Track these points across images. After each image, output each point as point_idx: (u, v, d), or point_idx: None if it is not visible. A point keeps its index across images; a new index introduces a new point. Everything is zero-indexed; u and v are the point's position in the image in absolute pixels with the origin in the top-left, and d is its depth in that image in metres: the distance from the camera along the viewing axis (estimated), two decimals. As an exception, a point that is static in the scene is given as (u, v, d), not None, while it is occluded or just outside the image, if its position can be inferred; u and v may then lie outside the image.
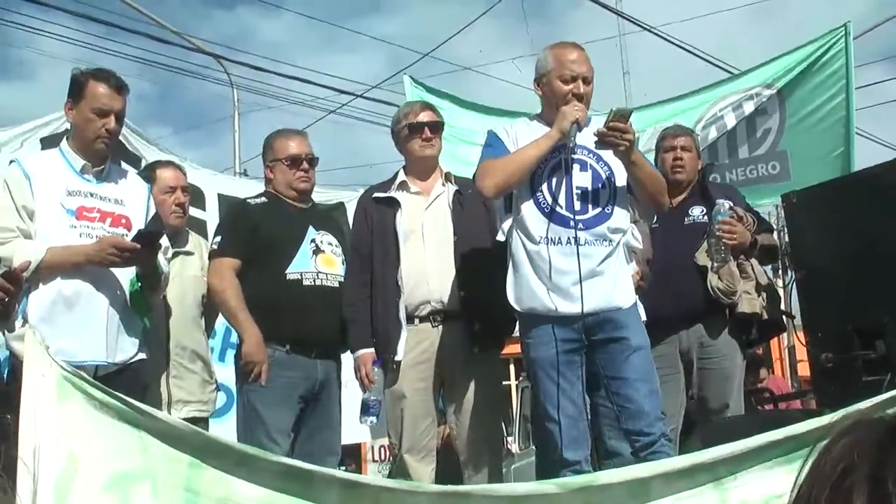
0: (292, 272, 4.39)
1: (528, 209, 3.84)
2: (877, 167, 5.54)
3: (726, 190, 5.41)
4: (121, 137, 5.70)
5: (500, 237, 3.97)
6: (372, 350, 4.28)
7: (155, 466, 2.64)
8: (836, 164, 6.65)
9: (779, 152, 7.11)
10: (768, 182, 7.07)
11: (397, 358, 4.23)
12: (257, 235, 4.45)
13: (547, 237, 3.78)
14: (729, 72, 10.20)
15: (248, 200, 4.75)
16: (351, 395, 4.72)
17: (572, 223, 3.76)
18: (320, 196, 6.66)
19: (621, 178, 3.90)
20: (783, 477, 2.70)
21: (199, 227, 6.02)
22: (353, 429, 5.22)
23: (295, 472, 2.78)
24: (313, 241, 4.51)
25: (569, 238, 3.76)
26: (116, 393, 2.73)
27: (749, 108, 7.10)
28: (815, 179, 5.48)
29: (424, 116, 4.52)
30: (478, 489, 3.37)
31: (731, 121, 7.16)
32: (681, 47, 13.16)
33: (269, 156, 4.72)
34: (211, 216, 6.38)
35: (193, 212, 6.16)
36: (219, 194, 6.53)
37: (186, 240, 4.74)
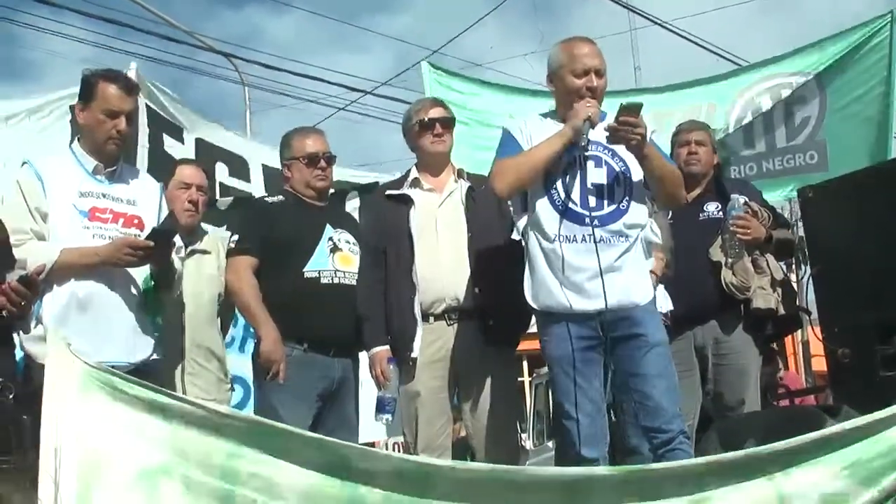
0: (310, 270, 4.39)
1: (543, 207, 3.83)
2: (893, 161, 5.52)
3: (741, 185, 5.40)
4: (160, 109, 5.75)
5: (516, 235, 3.96)
6: (387, 347, 4.27)
7: (187, 458, 2.64)
8: (874, 157, 6.50)
9: (818, 142, 6.98)
10: (806, 172, 6.92)
11: (413, 355, 4.22)
12: (275, 234, 4.45)
13: (561, 234, 3.77)
14: (739, 65, 10.10)
15: (266, 199, 4.77)
16: (366, 393, 4.72)
17: (587, 220, 3.75)
18: (358, 178, 6.68)
19: (637, 173, 3.88)
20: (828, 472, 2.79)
21: (246, 197, 6.02)
22: (368, 427, 5.22)
23: (343, 454, 2.76)
24: (331, 239, 4.50)
25: (584, 235, 3.74)
26: (146, 383, 2.74)
27: (786, 93, 6.97)
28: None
29: (435, 113, 4.51)
30: (529, 470, 3.37)
31: (766, 103, 7.02)
32: (691, 41, 13.16)
33: (286, 154, 4.72)
34: (256, 187, 6.28)
35: (238, 184, 6.25)
36: (263, 165, 6.37)
37: (201, 237, 4.74)
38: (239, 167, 6.27)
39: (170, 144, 5.84)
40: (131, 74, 5.39)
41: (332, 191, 6.24)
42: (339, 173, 6.59)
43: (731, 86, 7.19)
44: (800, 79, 6.92)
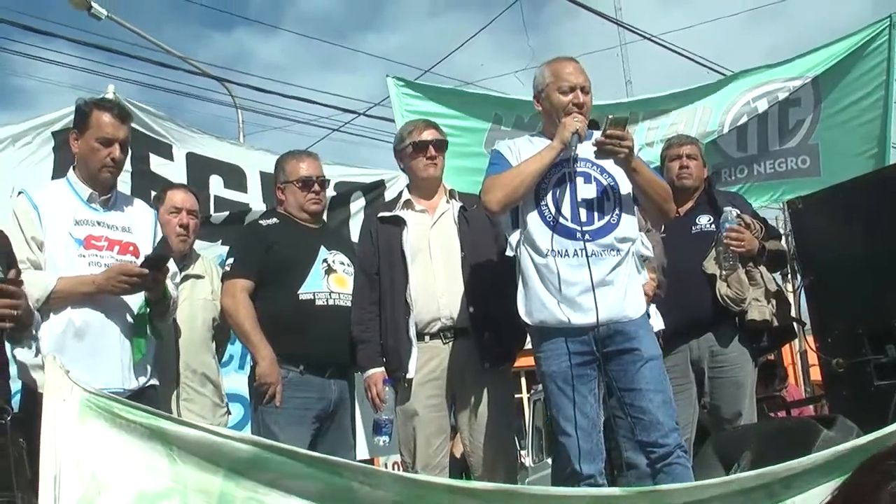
0: (305, 292, 4.42)
1: (534, 222, 3.86)
2: (883, 170, 5.55)
3: (733, 198, 5.42)
4: (145, 129, 5.66)
5: (510, 252, 3.98)
6: (382, 369, 4.28)
7: (185, 482, 2.64)
8: (868, 165, 6.45)
9: (810, 146, 6.90)
10: (797, 177, 6.90)
11: (409, 376, 4.23)
12: (270, 256, 4.47)
13: (553, 249, 3.80)
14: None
15: (260, 221, 4.78)
16: (362, 413, 4.72)
17: (578, 234, 3.78)
18: (362, 177, 6.62)
19: (626, 187, 3.91)
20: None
21: (241, 211, 5.96)
22: (362, 445, 5.21)
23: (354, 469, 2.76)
24: (325, 260, 4.53)
25: (576, 250, 3.77)
26: (146, 407, 2.74)
27: (782, 96, 6.86)
28: (845, 178, 5.34)
29: (428, 135, 4.53)
30: (530, 489, 3.36)
31: (763, 107, 6.91)
32: (682, 55, 13.23)
33: (280, 177, 4.75)
34: (253, 197, 6.20)
35: (233, 195, 6.13)
36: (261, 172, 6.23)
37: (194, 261, 4.76)
38: (234, 178, 6.19)
39: (158, 163, 5.78)
40: (109, 96, 5.41)
41: (334, 193, 6.27)
42: (344, 172, 6.61)
43: (729, 92, 7.09)
44: (797, 83, 6.85)
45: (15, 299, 3.06)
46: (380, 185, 6.64)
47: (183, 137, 6.03)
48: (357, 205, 6.54)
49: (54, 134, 5.32)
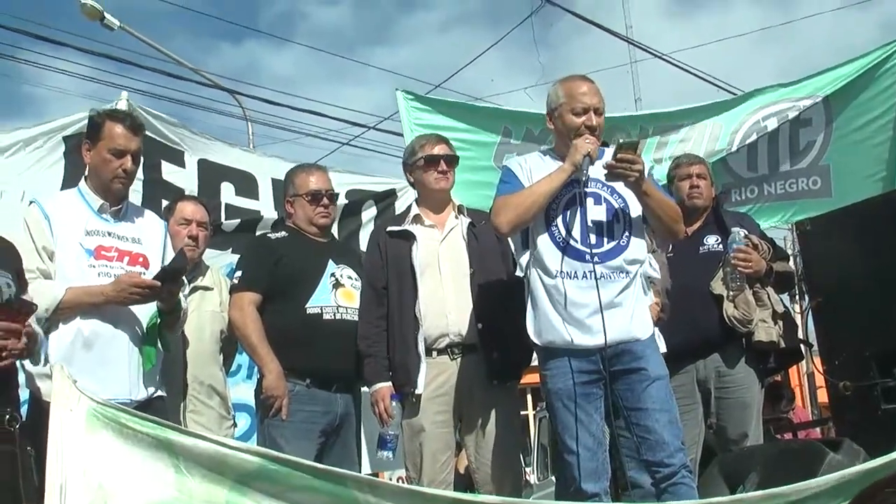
0: (312, 306, 4.42)
1: (544, 243, 3.87)
2: (891, 193, 5.55)
3: (740, 218, 5.42)
4: (157, 136, 5.67)
5: (519, 272, 3.99)
6: (389, 384, 4.28)
7: (191, 493, 2.65)
8: (878, 188, 6.40)
9: (821, 167, 6.85)
10: (808, 198, 6.84)
11: (417, 391, 4.23)
12: (278, 270, 4.48)
13: (562, 270, 3.80)
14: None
15: (269, 235, 4.80)
16: (368, 427, 4.72)
17: (588, 256, 3.78)
18: (374, 186, 6.62)
19: (636, 209, 3.92)
20: None
21: (253, 219, 5.95)
22: (366, 459, 5.20)
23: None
24: (333, 274, 4.53)
25: (585, 272, 3.77)
26: (153, 418, 2.75)
27: (792, 115, 6.81)
28: (857, 199, 5.32)
29: (440, 150, 4.54)
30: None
31: (773, 125, 6.86)
32: (692, 73, 13.25)
33: (289, 191, 4.76)
34: (265, 205, 6.18)
35: (245, 203, 6.13)
36: (273, 179, 6.20)
37: (203, 273, 4.78)
38: (246, 185, 6.19)
39: (169, 171, 5.79)
40: (122, 104, 5.44)
41: (346, 201, 6.25)
42: (356, 180, 6.61)
43: (740, 111, 7.04)
44: (807, 102, 6.80)
45: (14, 335, 3.10)
46: (391, 195, 6.64)
47: (195, 144, 6.04)
48: (368, 214, 6.54)
49: (65, 139, 5.34)
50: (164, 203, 5.25)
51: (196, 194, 5.73)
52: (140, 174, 5.26)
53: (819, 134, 6.86)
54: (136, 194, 5.27)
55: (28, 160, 5.28)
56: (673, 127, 6.97)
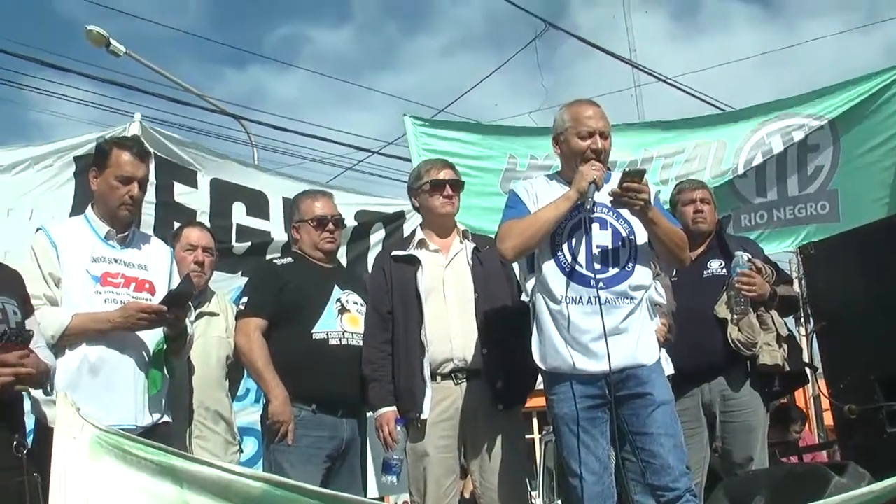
0: (318, 332, 4.43)
1: (550, 269, 3.88)
2: (892, 217, 5.55)
3: (744, 242, 5.44)
4: (170, 156, 5.69)
5: (524, 297, 4.00)
6: (394, 409, 4.27)
7: None
8: (884, 212, 6.36)
9: (829, 192, 6.85)
10: (817, 222, 6.85)
11: (423, 416, 4.23)
12: (284, 295, 4.50)
13: (568, 296, 3.82)
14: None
15: (275, 261, 4.83)
16: (374, 452, 4.72)
17: (593, 282, 3.79)
18: (382, 207, 6.62)
19: (641, 235, 3.93)
20: None
21: (263, 242, 5.96)
22: (371, 484, 5.19)
23: None
24: (339, 300, 4.55)
25: (590, 297, 3.78)
26: (157, 444, 2.76)
27: (798, 136, 6.82)
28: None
29: (446, 174, 4.57)
30: None
31: (777, 143, 6.87)
32: (695, 96, 13.29)
33: (295, 216, 4.80)
34: (275, 225, 6.16)
35: (256, 223, 6.14)
36: (284, 198, 6.19)
37: (209, 298, 4.79)
38: (257, 204, 6.18)
39: (181, 192, 5.80)
40: (135, 126, 5.47)
41: (355, 223, 6.25)
42: (365, 201, 6.61)
43: (743, 127, 7.06)
44: (812, 122, 6.81)
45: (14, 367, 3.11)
46: (400, 217, 6.65)
47: (208, 163, 6.04)
48: (377, 237, 6.55)
49: (76, 159, 5.35)
50: (177, 225, 5.28)
51: (208, 215, 5.78)
52: (152, 197, 5.32)
53: (827, 159, 6.87)
54: (148, 217, 5.33)
55: (36, 179, 5.30)
56: (677, 149, 7.00)
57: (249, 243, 5.98)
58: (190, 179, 5.89)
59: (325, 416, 4.38)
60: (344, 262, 6.10)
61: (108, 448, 2.71)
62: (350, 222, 6.28)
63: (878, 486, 2.90)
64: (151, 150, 5.41)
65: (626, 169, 3.83)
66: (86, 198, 4.33)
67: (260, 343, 4.44)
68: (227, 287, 5.43)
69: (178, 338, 3.96)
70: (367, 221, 6.54)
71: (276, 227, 6.20)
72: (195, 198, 5.86)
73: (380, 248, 6.14)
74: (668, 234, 3.92)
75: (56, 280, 3.78)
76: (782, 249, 7.16)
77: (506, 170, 6.99)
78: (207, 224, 5.43)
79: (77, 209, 5.01)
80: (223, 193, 6.05)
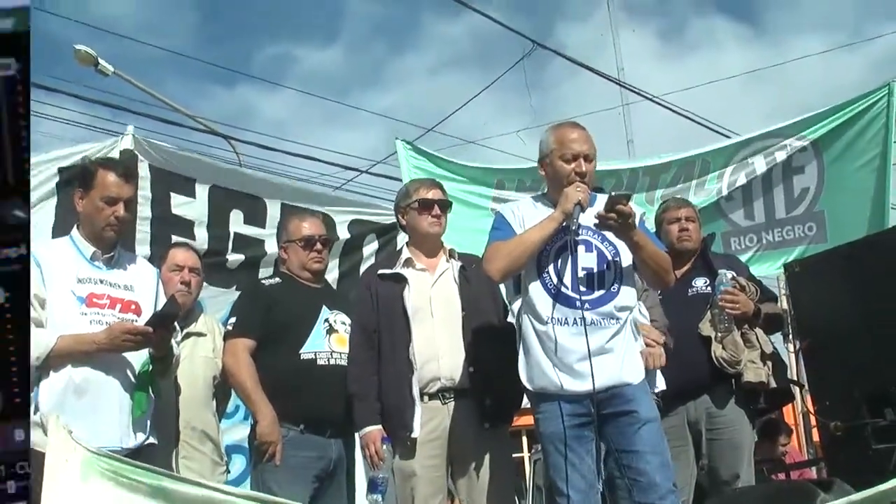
0: (306, 352, 4.44)
1: (536, 290, 3.91)
2: (879, 234, 5.60)
3: (728, 260, 5.48)
4: (165, 166, 5.62)
5: (511, 318, 4.02)
6: (380, 427, 4.26)
7: None
8: (871, 229, 6.39)
9: (816, 213, 6.93)
10: (805, 244, 6.92)
11: (413, 435, 4.22)
12: (272, 316, 4.50)
13: (553, 317, 3.84)
14: (728, 136, 10.13)
15: (263, 281, 4.83)
16: (362, 471, 4.71)
17: (578, 304, 3.82)
18: (376, 217, 6.61)
19: (626, 257, 3.96)
20: None
21: (255, 256, 5.92)
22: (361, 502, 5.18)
23: None
24: (327, 320, 4.56)
25: (576, 318, 3.81)
26: (149, 466, 2.76)
27: (781, 156, 6.93)
28: None
29: (434, 194, 4.59)
30: None
31: (760, 164, 6.98)
32: (683, 115, 13.37)
33: (282, 236, 4.81)
34: (270, 233, 6.01)
35: (252, 231, 6.05)
36: (282, 204, 6.15)
37: (196, 319, 4.78)
38: (255, 211, 6.09)
39: (179, 203, 5.71)
40: (127, 139, 5.45)
41: (348, 235, 6.23)
42: (359, 211, 6.58)
43: (729, 151, 7.18)
44: (794, 142, 6.91)
45: None
46: (393, 228, 6.62)
47: (206, 170, 6.00)
48: (370, 249, 6.53)
49: (61, 170, 5.26)
50: (174, 239, 5.28)
51: (206, 225, 5.75)
52: (147, 212, 5.30)
53: (812, 181, 6.95)
54: (144, 234, 5.32)
55: None
56: (660, 169, 7.09)
57: (243, 257, 5.94)
58: (187, 189, 5.80)
59: (313, 437, 4.38)
60: (336, 273, 6.13)
61: (100, 470, 2.71)
62: (343, 233, 6.30)
63: (857, 496, 2.93)
64: (147, 161, 5.45)
65: (612, 192, 3.87)
66: (66, 211, 4.28)
67: (248, 363, 4.43)
68: (221, 302, 5.40)
69: (163, 358, 3.96)
70: (360, 233, 6.51)
71: (270, 238, 6.03)
72: (193, 209, 5.78)
73: (372, 260, 6.13)
74: (653, 257, 3.96)
75: (41, 301, 3.77)
76: (773, 271, 7.22)
77: (494, 196, 7.08)
78: (205, 234, 5.42)
79: (59, 223, 4.97)
80: (222, 201, 5.95)
